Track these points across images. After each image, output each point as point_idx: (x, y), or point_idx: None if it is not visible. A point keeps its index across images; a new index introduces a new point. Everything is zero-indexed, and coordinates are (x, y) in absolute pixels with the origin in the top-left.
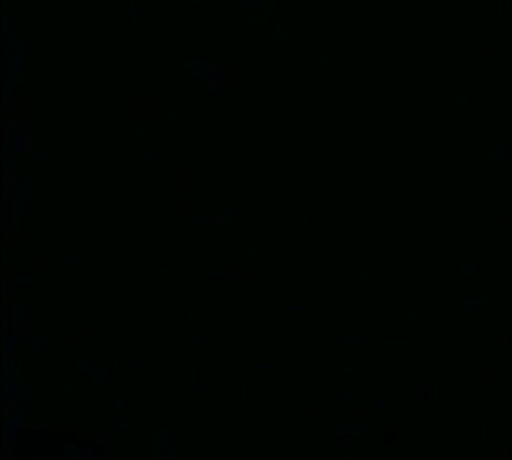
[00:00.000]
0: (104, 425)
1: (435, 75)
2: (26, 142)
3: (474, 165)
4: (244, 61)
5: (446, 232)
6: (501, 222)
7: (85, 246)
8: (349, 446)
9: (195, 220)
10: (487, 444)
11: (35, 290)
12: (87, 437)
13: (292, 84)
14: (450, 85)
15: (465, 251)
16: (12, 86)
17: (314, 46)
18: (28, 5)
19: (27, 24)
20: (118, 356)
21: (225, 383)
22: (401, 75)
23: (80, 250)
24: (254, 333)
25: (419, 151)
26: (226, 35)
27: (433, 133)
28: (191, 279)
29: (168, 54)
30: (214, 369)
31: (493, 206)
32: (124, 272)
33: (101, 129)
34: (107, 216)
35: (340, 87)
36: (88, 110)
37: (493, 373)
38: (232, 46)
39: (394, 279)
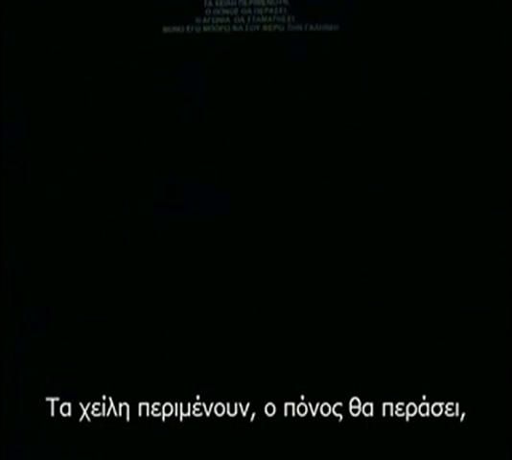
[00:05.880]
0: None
1: (435, 74)
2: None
3: (473, 165)
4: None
5: (446, 232)
6: (502, 222)
7: (83, 245)
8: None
9: (191, 216)
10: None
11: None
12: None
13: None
14: (449, 85)
15: (465, 251)
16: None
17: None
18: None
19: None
20: (117, 355)
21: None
22: (400, 74)
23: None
24: (253, 332)
25: (419, 151)
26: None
27: (433, 133)
28: (188, 279)
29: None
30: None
31: (493, 206)
32: (122, 273)
33: (98, 128)
34: (104, 211)
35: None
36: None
37: (493, 372)
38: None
39: (393, 279)
